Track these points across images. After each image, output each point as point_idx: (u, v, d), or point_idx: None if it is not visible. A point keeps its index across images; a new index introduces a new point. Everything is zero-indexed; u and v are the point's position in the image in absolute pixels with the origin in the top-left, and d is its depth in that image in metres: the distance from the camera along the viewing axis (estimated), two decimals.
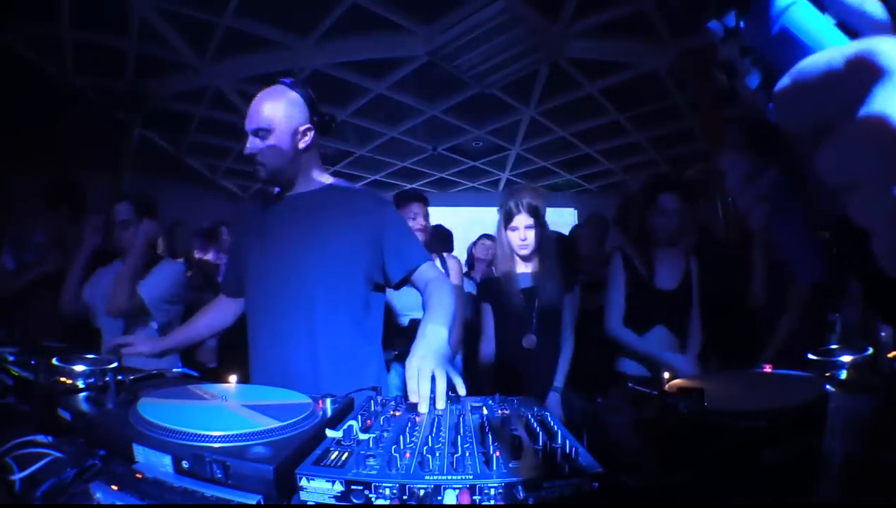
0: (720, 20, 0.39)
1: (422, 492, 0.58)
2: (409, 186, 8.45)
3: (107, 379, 0.93)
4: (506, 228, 2.06)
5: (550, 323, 2.06)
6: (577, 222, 5.72)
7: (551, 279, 2.04)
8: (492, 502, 0.59)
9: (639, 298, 2.00)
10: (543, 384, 2.01)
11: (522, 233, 2.02)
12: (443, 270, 2.39)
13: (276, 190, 1.41)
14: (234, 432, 0.71)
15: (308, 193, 1.36)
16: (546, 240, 2.08)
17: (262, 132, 1.27)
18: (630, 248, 2.06)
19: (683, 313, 2.02)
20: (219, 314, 1.51)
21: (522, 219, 2.02)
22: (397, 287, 1.35)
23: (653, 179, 2.25)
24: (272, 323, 1.28)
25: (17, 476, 0.66)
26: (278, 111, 1.28)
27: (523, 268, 2.10)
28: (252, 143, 1.28)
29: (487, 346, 2.14)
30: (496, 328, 2.13)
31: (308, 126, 1.32)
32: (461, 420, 0.82)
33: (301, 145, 1.31)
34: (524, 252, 2.04)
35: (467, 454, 0.64)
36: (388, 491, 0.58)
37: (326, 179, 1.40)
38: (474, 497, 0.58)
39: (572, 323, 2.12)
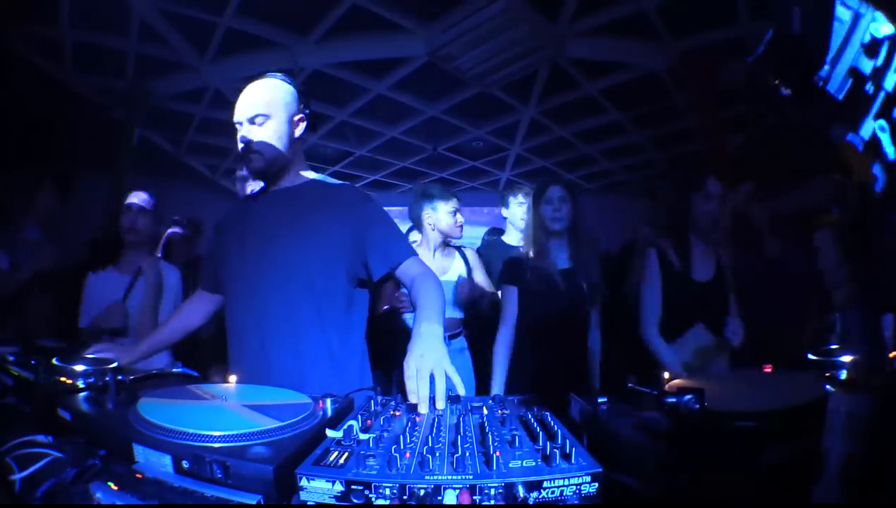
0: (857, 133, 0.46)
1: (422, 492, 0.58)
2: (409, 186, 8.45)
3: (107, 379, 0.93)
4: (537, 204, 2.01)
5: (583, 309, 1.98)
6: None
7: (589, 261, 1.98)
8: (492, 502, 0.59)
9: (675, 294, 1.89)
10: (573, 375, 1.93)
11: (557, 205, 1.97)
12: (462, 263, 2.39)
13: (262, 185, 1.40)
14: (234, 432, 0.71)
15: (290, 188, 1.35)
16: (581, 219, 2.01)
17: (261, 118, 1.26)
18: (665, 240, 1.95)
19: (720, 308, 1.90)
20: (190, 314, 1.49)
21: (557, 192, 1.98)
22: (380, 283, 1.34)
23: (696, 164, 2.19)
24: (254, 321, 1.26)
25: (17, 476, 0.66)
26: (277, 97, 1.28)
27: (558, 248, 2.01)
28: (247, 131, 1.26)
29: (508, 332, 1.98)
30: (521, 312, 1.99)
31: (301, 116, 1.32)
32: (461, 420, 0.82)
33: (296, 134, 1.31)
34: (558, 226, 1.97)
35: (467, 454, 0.64)
36: (388, 491, 0.58)
37: (309, 174, 1.39)
38: (474, 497, 0.58)
39: (599, 320, 2.05)
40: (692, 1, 3.84)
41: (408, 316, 2.23)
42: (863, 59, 0.45)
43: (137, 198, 2.13)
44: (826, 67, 0.46)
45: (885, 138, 0.44)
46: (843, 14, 0.44)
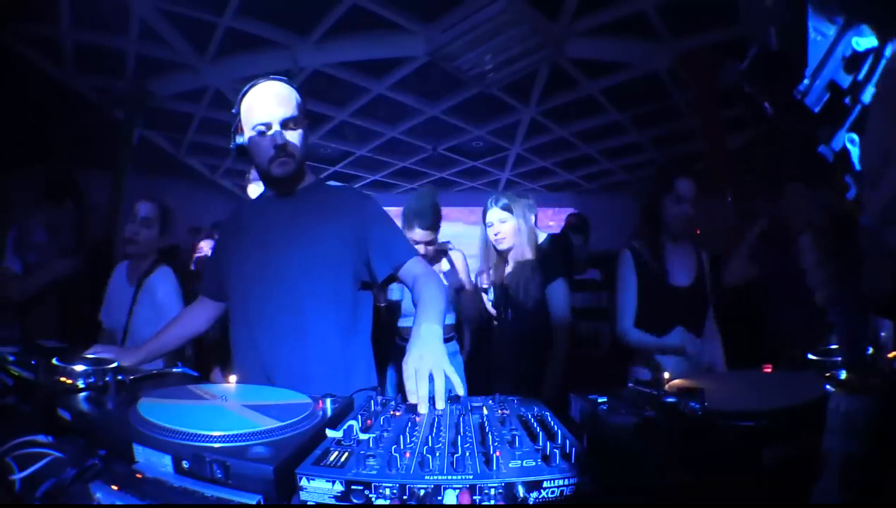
0: (828, 145, 0.47)
1: (422, 492, 0.58)
2: (409, 186, 8.46)
3: (107, 379, 0.93)
4: (484, 225, 2.12)
5: (531, 318, 2.02)
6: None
7: (526, 271, 2.03)
8: (492, 502, 0.59)
9: (653, 298, 1.85)
10: (529, 379, 1.97)
11: (497, 228, 2.06)
12: (448, 265, 2.41)
13: (262, 189, 1.39)
14: (234, 432, 0.71)
15: (292, 193, 1.34)
16: (523, 236, 2.06)
17: (292, 122, 1.24)
18: (641, 243, 1.90)
19: (700, 312, 1.89)
20: (191, 321, 1.48)
21: (496, 214, 2.07)
22: (383, 284, 1.33)
23: (668, 164, 2.16)
24: (259, 325, 1.26)
25: (17, 476, 0.66)
26: (299, 102, 1.27)
27: (504, 265, 2.13)
28: (282, 134, 1.22)
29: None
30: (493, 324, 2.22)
31: (307, 121, 1.33)
32: (461, 420, 0.82)
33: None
34: (500, 246, 2.07)
35: (467, 454, 0.64)
36: (388, 491, 0.58)
37: (308, 178, 1.39)
38: (474, 497, 0.58)
39: (562, 319, 2.02)
40: (692, 1, 3.84)
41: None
42: (842, 73, 0.45)
43: (143, 208, 2.07)
44: (806, 81, 0.46)
45: (853, 151, 0.45)
46: (827, 29, 0.45)
